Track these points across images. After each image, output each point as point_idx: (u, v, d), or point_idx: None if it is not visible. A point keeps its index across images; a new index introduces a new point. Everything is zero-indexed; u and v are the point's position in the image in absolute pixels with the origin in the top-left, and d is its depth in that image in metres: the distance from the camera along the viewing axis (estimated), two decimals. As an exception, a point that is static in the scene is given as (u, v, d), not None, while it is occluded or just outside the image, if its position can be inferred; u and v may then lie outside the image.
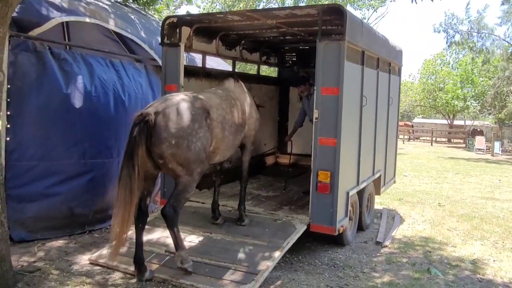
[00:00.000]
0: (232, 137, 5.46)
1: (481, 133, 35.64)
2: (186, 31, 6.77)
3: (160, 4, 14.75)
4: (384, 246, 6.96)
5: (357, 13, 28.90)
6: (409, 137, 37.18)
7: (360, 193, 7.20)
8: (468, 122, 40.94)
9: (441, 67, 36.32)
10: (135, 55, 8.33)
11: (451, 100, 33.49)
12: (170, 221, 4.84)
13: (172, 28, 6.60)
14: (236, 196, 7.15)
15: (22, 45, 6.25)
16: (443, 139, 37.58)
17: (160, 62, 7.71)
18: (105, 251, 5.61)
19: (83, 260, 5.68)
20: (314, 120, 5.79)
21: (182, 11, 24.59)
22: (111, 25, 7.80)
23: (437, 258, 6.54)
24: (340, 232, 5.98)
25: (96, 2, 8.15)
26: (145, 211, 5.00)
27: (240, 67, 23.80)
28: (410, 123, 41.93)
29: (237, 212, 6.25)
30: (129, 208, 4.51)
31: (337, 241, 6.74)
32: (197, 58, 9.36)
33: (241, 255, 5.28)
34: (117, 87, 7.44)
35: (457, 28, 25.33)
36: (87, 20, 7.34)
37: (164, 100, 4.89)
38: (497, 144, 26.07)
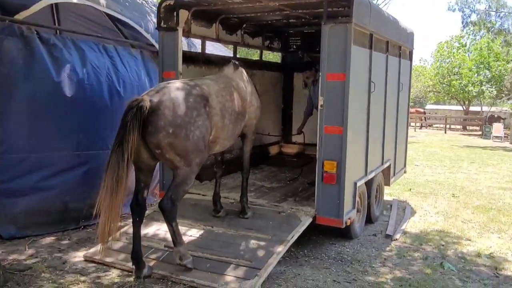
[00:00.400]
0: (232, 126, 5.48)
1: (498, 119, 35.50)
2: (184, 14, 6.76)
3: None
4: (394, 240, 6.99)
5: (366, -7, 28.70)
6: (421, 124, 37.09)
7: (369, 184, 7.22)
8: (485, 108, 40.77)
9: (457, 50, 36.06)
10: (130, 40, 8.34)
11: (466, 87, 33.35)
12: (168, 215, 4.87)
13: (169, 11, 6.59)
14: (238, 187, 7.17)
15: (8, 29, 6.23)
16: (458, 127, 37.49)
17: (157, 47, 7.70)
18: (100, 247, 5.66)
19: (78, 257, 5.72)
20: (319, 107, 5.79)
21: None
22: (103, 6, 7.76)
23: (451, 252, 6.56)
24: (348, 224, 6.01)
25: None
26: (142, 204, 5.03)
27: (242, 52, 23.74)
28: (422, 110, 41.81)
29: (240, 204, 6.29)
30: (116, 198, 4.51)
31: (345, 234, 6.77)
32: (196, 44, 9.35)
33: (243, 250, 5.31)
34: (111, 74, 7.45)
35: (473, 7, 25.09)
36: (75, 0, 7.29)
37: (161, 87, 4.90)
38: (516, 131, 25.99)
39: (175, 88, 4.87)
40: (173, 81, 5.30)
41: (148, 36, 8.39)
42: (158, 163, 5.53)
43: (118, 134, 4.56)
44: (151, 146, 4.72)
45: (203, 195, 6.91)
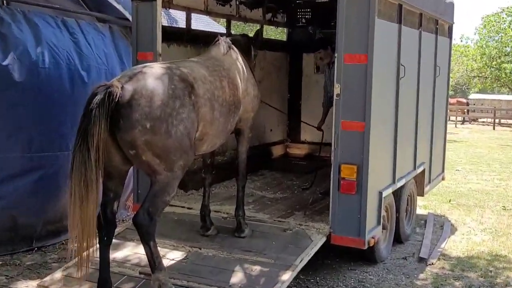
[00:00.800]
0: (224, 119, 5.49)
1: None
2: (163, -21, 6.78)
3: None
4: (429, 264, 7.00)
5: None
6: (463, 118, 37.14)
7: (397, 194, 7.22)
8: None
9: (509, 25, 36.04)
10: (96, 13, 8.34)
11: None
12: (145, 232, 4.86)
13: (144, -25, 6.60)
14: (233, 198, 7.16)
15: None
16: (510, 121, 37.51)
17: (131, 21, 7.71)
18: (59, 274, 5.65)
19: (30, 286, 5.71)
20: (335, 97, 5.80)
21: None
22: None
23: (501, 280, 6.57)
24: (371, 245, 6.02)
25: None
26: (111, 219, 5.02)
27: (237, 28, 23.76)
28: (464, 100, 41.81)
29: (234, 219, 6.29)
30: (87, 208, 4.51)
31: (367, 257, 6.78)
32: (180, 18, 9.35)
33: (239, 277, 5.30)
34: (73, 56, 7.45)
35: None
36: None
37: (135, 71, 4.90)
38: None
39: (153, 72, 4.87)
40: (150, 64, 5.30)
41: (119, 7, 8.39)
42: (131, 168, 5.52)
43: (80, 127, 4.55)
44: (123, 146, 4.72)
45: (188, 208, 6.91)
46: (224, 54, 5.99)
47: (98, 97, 4.52)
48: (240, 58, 6.16)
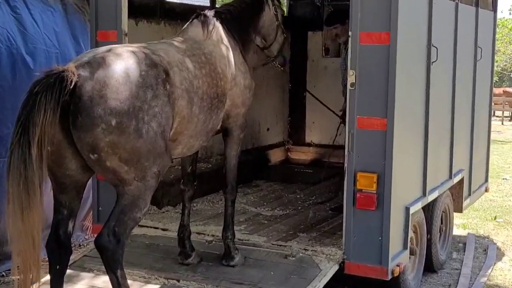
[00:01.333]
0: (203, 116, 5.50)
1: None
2: None
3: None
4: (470, 299, 7.04)
5: None
6: (513, 114, 37.17)
7: (429, 210, 7.26)
8: None
9: None
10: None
11: None
12: (111, 258, 4.86)
13: None
14: (220, 216, 7.17)
15: None
16: None
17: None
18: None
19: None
20: (348, 87, 5.83)
21: None
22: None
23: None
24: (396, 275, 6.03)
25: None
26: (65, 243, 5.02)
27: (224, 0, 23.75)
28: (513, 90, 41.89)
29: (222, 243, 6.31)
30: (29, 217, 4.46)
31: (391, 290, 6.81)
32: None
33: (229, 317, 5.34)
34: (15, 36, 7.45)
35: None
36: None
37: (96, 54, 4.89)
38: None
39: (118, 56, 4.87)
40: (113, 45, 5.31)
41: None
42: (90, 178, 5.53)
43: (20, 116, 4.50)
44: (82, 148, 4.72)
45: (163, 229, 6.93)
46: (204, 34, 6.01)
47: (45, 81, 4.51)
48: (226, 38, 6.18)
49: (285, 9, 10.96)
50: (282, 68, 7.36)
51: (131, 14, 6.69)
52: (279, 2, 6.97)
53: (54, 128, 4.55)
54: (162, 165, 4.97)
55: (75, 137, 4.66)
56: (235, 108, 6.09)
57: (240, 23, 6.44)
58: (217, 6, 9.47)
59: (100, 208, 6.75)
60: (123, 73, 4.76)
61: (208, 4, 9.13)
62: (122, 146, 4.67)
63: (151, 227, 6.93)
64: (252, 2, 6.65)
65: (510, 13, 41.27)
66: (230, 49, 6.12)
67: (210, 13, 6.23)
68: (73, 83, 4.54)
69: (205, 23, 6.08)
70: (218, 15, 6.28)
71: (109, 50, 4.99)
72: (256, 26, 6.69)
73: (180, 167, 6.51)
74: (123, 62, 4.83)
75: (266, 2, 6.74)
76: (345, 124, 8.18)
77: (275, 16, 6.86)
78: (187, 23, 6.15)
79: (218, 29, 6.13)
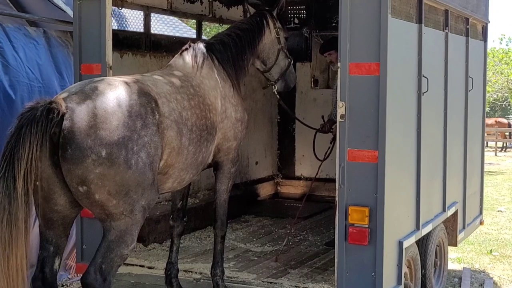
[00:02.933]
0: (193, 148, 5.50)
1: None
2: (114, -30, 6.83)
3: None
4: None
5: None
6: (505, 144, 37.39)
7: (423, 244, 7.22)
8: None
9: None
10: (27, 14, 8.36)
11: None
12: (96, 297, 4.83)
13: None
14: (208, 254, 7.13)
15: None
16: None
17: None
18: None
19: None
20: (338, 119, 5.82)
21: None
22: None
23: None
24: (390, 312, 6.01)
25: None
26: (51, 282, 4.98)
27: (211, 31, 23.88)
28: (505, 121, 42.18)
29: (210, 281, 6.25)
30: (13, 257, 4.42)
31: (386, 328, 6.75)
32: (135, 18, 9.40)
33: None
34: (-4, 69, 7.46)
35: None
36: None
37: (83, 85, 4.93)
38: None
39: (106, 86, 4.89)
40: (100, 78, 5.31)
41: (59, 3, 8.38)
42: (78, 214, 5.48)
43: (5, 150, 4.51)
44: (71, 181, 4.70)
45: (149, 267, 6.85)
46: (194, 67, 6.01)
47: (30, 113, 4.52)
48: (217, 70, 6.18)
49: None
50: (278, 96, 7.31)
51: (115, 47, 6.71)
52: (282, 26, 6.95)
53: (43, 162, 4.57)
54: (150, 199, 4.95)
55: (64, 169, 4.66)
56: (227, 142, 6.08)
57: (236, 52, 6.45)
58: (204, 37, 9.50)
59: (84, 246, 6.67)
60: (112, 103, 4.78)
61: (195, 36, 9.14)
62: (111, 178, 4.68)
63: (136, 265, 6.86)
64: (251, 27, 6.65)
65: (500, 43, 41.55)
66: (220, 81, 6.13)
67: (200, 45, 6.24)
68: (60, 115, 4.56)
69: (194, 55, 6.09)
70: (209, 46, 6.30)
71: (97, 81, 5.01)
72: (254, 51, 6.68)
73: (166, 203, 6.48)
74: (111, 92, 4.85)
75: (267, 25, 6.75)
76: (327, 130, 8.20)
77: (277, 39, 6.86)
78: (176, 55, 6.15)
79: (208, 61, 6.14)
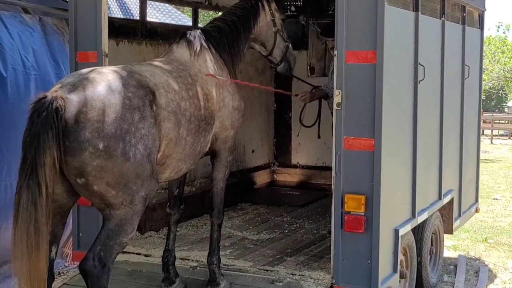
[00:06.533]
0: (191, 138, 5.50)
1: None
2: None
3: None
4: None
5: None
6: (501, 132, 37.40)
7: (419, 232, 7.26)
8: None
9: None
10: (21, 1, 8.33)
11: None
12: (95, 283, 4.80)
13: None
14: (204, 241, 7.13)
15: None
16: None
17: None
18: None
19: None
20: (335, 107, 5.83)
21: None
22: None
23: None
24: (386, 299, 6.03)
25: None
26: (49, 270, 4.88)
27: (207, 18, 23.81)
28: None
29: (207, 269, 6.26)
30: (39, 260, 4.48)
31: (381, 315, 6.78)
32: (131, 4, 9.38)
33: None
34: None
35: None
36: None
37: (80, 76, 4.89)
38: None
39: (103, 78, 4.88)
40: (97, 67, 5.30)
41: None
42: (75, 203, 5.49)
43: (25, 155, 4.53)
44: (69, 173, 4.71)
45: (146, 255, 6.88)
46: (191, 55, 6.01)
47: (43, 117, 4.51)
48: (213, 58, 6.18)
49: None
50: (287, 73, 7.29)
51: (111, 35, 6.70)
52: (278, 8, 6.89)
53: (56, 162, 4.57)
54: (150, 189, 4.96)
55: (62, 161, 4.65)
56: (224, 130, 6.08)
57: (232, 38, 6.41)
58: (200, 25, 9.48)
59: (80, 234, 6.70)
60: (110, 95, 4.77)
61: (191, 24, 9.13)
62: (109, 170, 4.69)
63: (133, 253, 6.88)
64: (246, 11, 6.59)
65: (497, 30, 41.50)
66: (217, 70, 6.12)
67: (196, 33, 6.21)
68: (65, 111, 4.56)
69: (191, 43, 6.07)
70: (206, 34, 6.27)
71: (94, 72, 4.99)
72: (250, 35, 6.64)
73: (163, 191, 6.48)
74: (109, 84, 4.84)
75: (262, 8, 6.70)
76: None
77: (273, 21, 6.83)
78: (173, 43, 6.14)
79: (205, 50, 6.13)
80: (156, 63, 5.77)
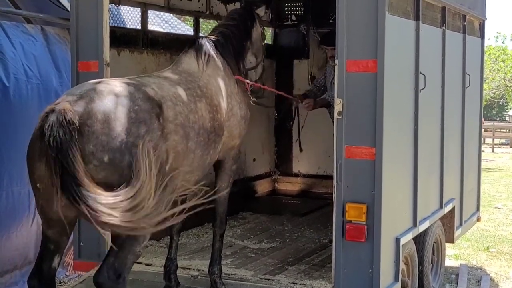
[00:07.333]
0: (200, 151, 5.49)
1: None
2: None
3: None
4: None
5: None
6: (502, 141, 37.36)
7: (420, 240, 7.24)
8: None
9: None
10: (24, 10, 8.34)
11: None
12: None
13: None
14: (205, 250, 7.13)
15: None
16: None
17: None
18: None
19: None
20: (336, 116, 5.83)
21: None
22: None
23: None
24: (387, 308, 6.02)
25: None
26: (49, 280, 4.99)
27: (208, 28, 23.82)
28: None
29: (208, 278, 6.26)
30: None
31: (383, 324, 6.76)
32: (133, 13, 9.39)
33: None
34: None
35: None
36: None
37: (85, 88, 4.87)
38: None
39: (110, 90, 4.86)
40: (105, 79, 5.29)
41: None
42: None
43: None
44: None
45: (147, 264, 6.86)
46: (199, 65, 5.98)
47: (59, 134, 4.45)
48: (222, 68, 6.16)
49: (270, 37, 11.01)
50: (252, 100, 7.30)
51: (113, 44, 6.70)
52: (261, 25, 6.96)
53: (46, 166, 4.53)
54: None
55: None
56: (231, 140, 6.09)
57: (236, 42, 6.46)
58: (201, 34, 9.48)
59: (81, 244, 6.67)
60: (116, 108, 4.74)
61: (192, 33, 9.13)
62: (115, 183, 4.62)
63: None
64: (243, 17, 6.64)
65: (496, 40, 41.47)
66: (225, 79, 6.11)
67: (204, 42, 6.20)
68: (77, 124, 4.52)
69: (199, 53, 6.06)
70: (212, 42, 6.26)
71: (101, 84, 4.97)
72: (248, 44, 6.67)
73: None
74: (115, 97, 4.81)
75: (255, 17, 6.74)
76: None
77: (262, 34, 6.87)
78: (182, 53, 6.13)
79: (213, 59, 6.12)
80: (164, 74, 5.75)
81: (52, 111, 4.55)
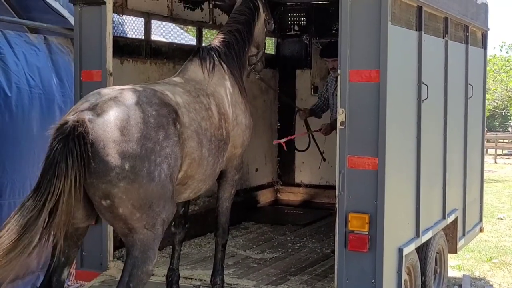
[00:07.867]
0: (212, 159, 5.49)
1: None
2: (114, -23, 6.84)
3: None
4: None
5: None
6: (505, 151, 37.35)
7: (423, 251, 7.21)
8: None
9: None
10: (26, 20, 8.35)
11: None
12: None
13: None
14: (207, 260, 7.11)
15: None
16: None
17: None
18: None
19: None
20: (338, 126, 5.82)
21: None
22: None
23: None
24: (390, 319, 5.99)
25: None
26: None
27: (211, 37, 23.86)
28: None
29: (210, 288, 6.26)
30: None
31: (386, 335, 6.74)
32: (136, 23, 9.41)
33: None
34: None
35: None
36: None
37: (99, 97, 4.84)
38: None
39: (125, 96, 4.84)
40: (117, 86, 5.29)
41: (58, 7, 8.38)
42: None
43: (38, 183, 4.46)
44: (93, 195, 4.65)
45: (149, 274, 6.86)
46: (205, 74, 5.97)
47: (62, 144, 4.44)
48: (227, 77, 6.16)
49: (273, 48, 11.03)
50: (258, 76, 7.35)
51: (116, 53, 6.70)
52: (267, 8, 6.93)
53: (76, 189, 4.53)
54: (170, 212, 4.94)
55: (87, 183, 4.60)
56: (234, 149, 6.08)
57: (238, 49, 6.44)
58: (204, 44, 9.51)
59: (84, 253, 6.65)
60: (133, 113, 4.73)
61: (195, 43, 9.15)
62: (135, 191, 4.64)
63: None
64: (248, 16, 6.60)
65: (500, 50, 41.43)
66: (230, 88, 6.12)
67: (208, 51, 6.19)
68: (90, 138, 4.50)
69: (204, 62, 6.05)
70: (216, 51, 6.25)
71: (114, 90, 4.96)
72: (252, 40, 6.66)
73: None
74: (131, 102, 4.80)
75: (259, 9, 6.72)
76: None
77: (265, 22, 6.85)
78: (187, 61, 6.14)
79: (218, 68, 6.12)
80: (174, 82, 5.74)
81: (65, 123, 4.55)
